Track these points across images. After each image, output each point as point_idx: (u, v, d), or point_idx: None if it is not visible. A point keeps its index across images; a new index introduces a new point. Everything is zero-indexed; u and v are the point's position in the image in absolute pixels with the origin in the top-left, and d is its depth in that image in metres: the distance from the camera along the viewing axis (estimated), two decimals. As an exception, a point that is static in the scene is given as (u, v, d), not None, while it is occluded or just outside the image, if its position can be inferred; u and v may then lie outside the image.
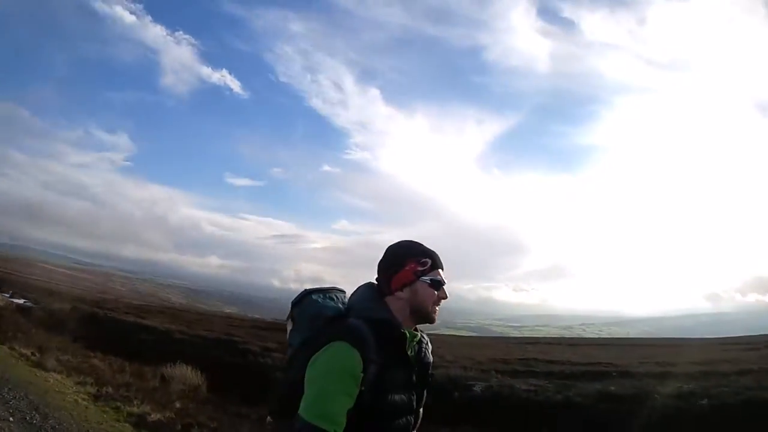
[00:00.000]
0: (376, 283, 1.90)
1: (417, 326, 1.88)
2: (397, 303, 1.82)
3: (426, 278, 1.83)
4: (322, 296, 1.88)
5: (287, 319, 1.89)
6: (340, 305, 1.89)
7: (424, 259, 1.85)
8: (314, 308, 1.84)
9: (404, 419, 1.79)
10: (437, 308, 1.86)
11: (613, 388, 11.62)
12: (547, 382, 13.06)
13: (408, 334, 1.78)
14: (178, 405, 9.68)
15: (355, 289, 1.92)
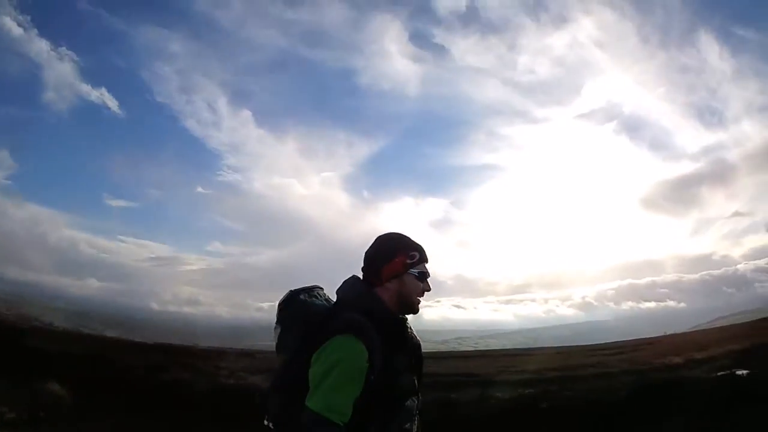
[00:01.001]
0: (361, 275, 1.98)
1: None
2: (386, 293, 1.89)
3: (414, 270, 1.92)
4: (308, 296, 1.92)
5: (276, 323, 1.91)
6: (325, 302, 1.94)
7: (412, 252, 1.94)
8: (305, 308, 1.87)
9: (412, 400, 1.83)
10: (420, 299, 1.96)
11: (454, 395, 12.65)
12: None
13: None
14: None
15: (342, 282, 1.96)
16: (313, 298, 1.93)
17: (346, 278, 1.98)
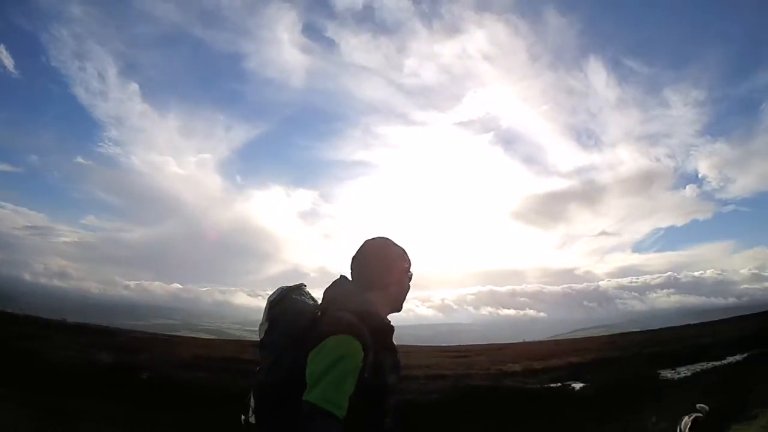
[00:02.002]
0: (350, 277, 2.09)
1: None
2: (381, 297, 2.02)
3: (409, 274, 2.13)
4: (298, 294, 1.99)
5: (265, 320, 1.95)
6: (311, 300, 2.01)
7: (407, 257, 2.13)
8: (297, 307, 1.94)
9: (395, 398, 1.93)
10: None
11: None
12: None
13: None
14: None
15: (332, 283, 2.05)
16: (303, 297, 2.00)
17: (336, 279, 2.06)
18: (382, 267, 2.06)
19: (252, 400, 1.90)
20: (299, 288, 2.04)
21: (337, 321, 1.80)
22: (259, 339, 1.98)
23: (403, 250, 2.15)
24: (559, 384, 22.69)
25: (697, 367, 27.37)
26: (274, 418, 1.79)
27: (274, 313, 1.94)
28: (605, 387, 18.43)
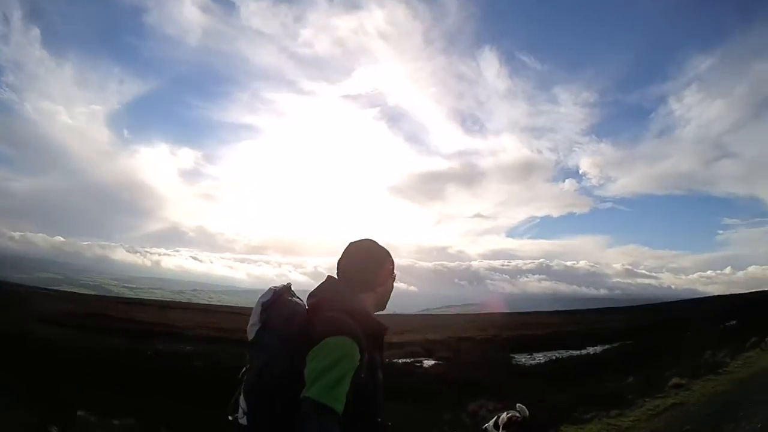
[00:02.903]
0: (341, 278, 2.11)
1: None
2: (370, 297, 2.08)
3: (393, 275, 2.18)
4: (289, 296, 2.01)
5: (257, 321, 1.93)
6: (299, 300, 2.04)
7: (392, 259, 2.17)
8: (291, 309, 1.95)
9: (383, 394, 2.00)
10: None
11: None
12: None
13: None
14: None
15: (321, 284, 2.07)
16: (294, 298, 2.00)
17: (326, 280, 2.08)
18: (369, 269, 2.09)
19: (242, 401, 1.86)
20: (289, 289, 2.03)
21: (334, 322, 1.82)
22: (249, 339, 1.94)
23: (388, 252, 2.18)
24: (410, 360, 23.10)
25: (554, 354, 27.08)
26: (268, 419, 1.79)
27: (268, 314, 1.92)
28: (455, 367, 18.86)
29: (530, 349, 27.90)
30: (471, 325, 43.60)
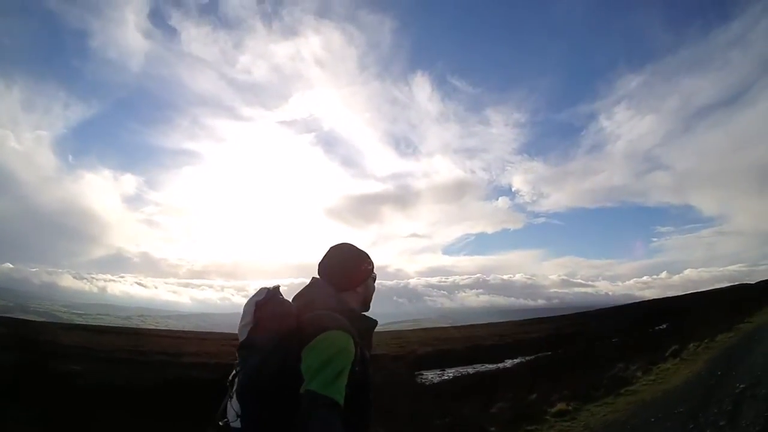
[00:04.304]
0: (323, 280, 2.11)
1: None
2: (354, 296, 2.11)
3: (373, 275, 2.22)
4: (281, 296, 1.99)
5: (250, 321, 1.91)
6: (291, 302, 2.01)
7: (370, 259, 2.21)
8: (284, 308, 1.93)
9: (373, 389, 1.99)
10: None
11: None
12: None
13: None
14: None
15: (308, 285, 2.08)
16: (286, 298, 1.99)
17: (311, 281, 2.09)
18: (347, 269, 2.11)
19: (234, 404, 1.82)
20: (278, 289, 2.00)
21: (327, 318, 1.82)
22: (240, 340, 1.92)
23: (366, 254, 2.20)
24: None
25: (468, 369, 24.98)
26: (264, 419, 1.75)
27: (262, 314, 1.90)
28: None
29: (444, 365, 26.17)
30: (392, 340, 40.67)
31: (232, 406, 1.80)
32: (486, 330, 52.13)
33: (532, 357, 24.26)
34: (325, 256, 2.15)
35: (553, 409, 8.11)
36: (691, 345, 13.82)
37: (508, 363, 24.79)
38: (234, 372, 1.87)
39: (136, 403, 12.36)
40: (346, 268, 2.10)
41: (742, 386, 7.58)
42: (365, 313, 2.11)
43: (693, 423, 6.32)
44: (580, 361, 16.82)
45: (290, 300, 2.01)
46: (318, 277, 2.11)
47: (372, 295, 2.20)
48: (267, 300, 1.92)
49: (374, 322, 2.04)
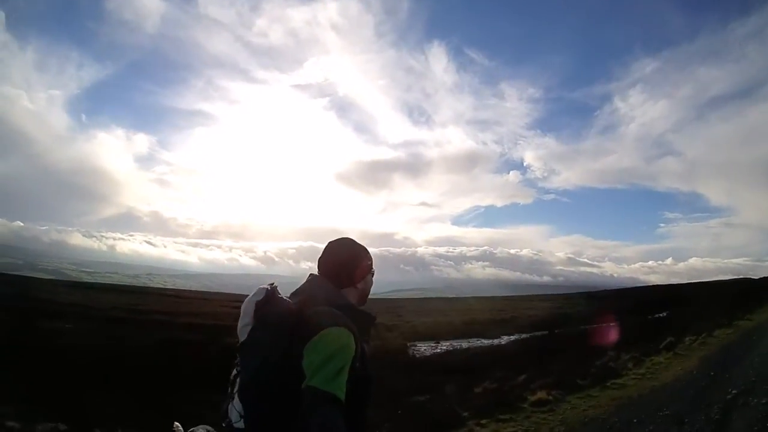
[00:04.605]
0: (323, 275, 2.08)
1: None
2: (353, 292, 2.08)
3: (372, 271, 2.17)
4: (279, 294, 1.98)
5: (250, 320, 1.90)
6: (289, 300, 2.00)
7: (369, 255, 2.17)
8: (284, 307, 1.92)
9: (374, 385, 1.98)
10: None
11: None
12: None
13: None
14: None
15: (306, 281, 2.06)
16: (282, 297, 1.97)
17: (310, 277, 2.08)
18: (348, 266, 2.09)
19: (237, 404, 1.80)
20: (276, 288, 1.99)
21: (328, 315, 1.81)
22: (240, 340, 1.90)
23: (366, 250, 2.18)
24: None
25: (462, 343, 24.79)
26: (268, 419, 1.75)
27: (263, 313, 1.89)
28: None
29: (439, 337, 26.03)
30: (392, 310, 40.61)
31: (234, 407, 1.80)
32: (487, 304, 52.05)
33: (527, 336, 24.00)
34: (324, 252, 2.15)
35: (533, 397, 7.76)
36: (687, 339, 13.33)
37: (503, 340, 24.54)
38: (234, 372, 1.87)
39: (112, 364, 12.18)
40: (347, 265, 2.09)
41: (734, 392, 7.14)
42: (362, 308, 2.09)
43: (677, 429, 5.92)
44: (573, 344, 16.49)
45: (288, 297, 2.00)
46: (316, 273, 2.10)
47: (369, 291, 2.18)
48: (266, 299, 1.91)
49: (373, 318, 2.04)
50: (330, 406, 1.59)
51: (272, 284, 2.00)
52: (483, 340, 24.98)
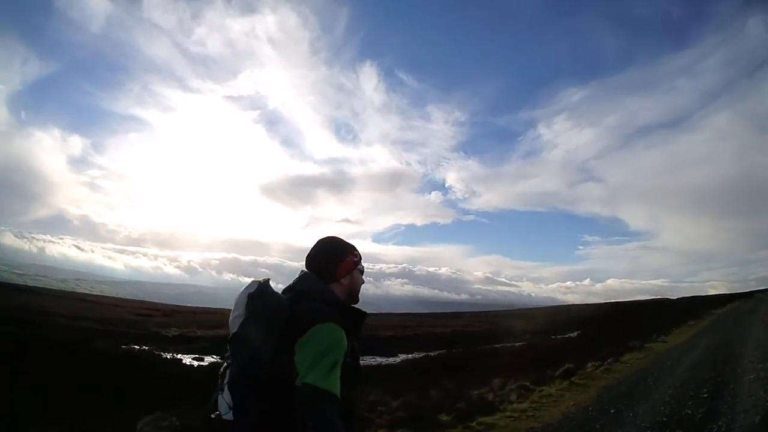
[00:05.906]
0: (311, 272, 2.07)
1: None
2: (340, 288, 2.06)
3: (360, 267, 2.15)
4: (272, 288, 1.97)
5: (246, 313, 1.87)
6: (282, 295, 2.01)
7: (356, 252, 2.15)
8: (277, 300, 1.90)
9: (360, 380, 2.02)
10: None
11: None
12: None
13: None
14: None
15: (298, 277, 2.03)
16: (277, 291, 1.97)
17: (301, 274, 2.04)
18: (332, 260, 2.06)
19: (226, 396, 1.79)
20: (269, 282, 1.97)
21: (320, 311, 1.81)
22: (231, 332, 1.87)
23: (352, 246, 2.16)
24: (193, 356, 21.88)
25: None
26: (258, 411, 1.73)
27: (255, 306, 1.87)
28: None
29: None
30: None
31: (224, 399, 1.76)
32: (396, 320, 50.22)
33: (422, 355, 22.00)
34: (311, 249, 2.12)
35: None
36: (590, 364, 11.19)
37: (399, 358, 22.51)
38: (225, 364, 1.84)
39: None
40: (330, 260, 2.07)
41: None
42: (355, 306, 2.05)
43: None
44: (465, 365, 14.34)
45: (281, 292, 1.97)
46: (307, 270, 2.06)
47: (359, 286, 2.13)
48: (259, 292, 1.89)
49: (364, 314, 2.00)
50: (327, 403, 1.61)
51: (266, 279, 1.97)
52: (378, 358, 22.65)
